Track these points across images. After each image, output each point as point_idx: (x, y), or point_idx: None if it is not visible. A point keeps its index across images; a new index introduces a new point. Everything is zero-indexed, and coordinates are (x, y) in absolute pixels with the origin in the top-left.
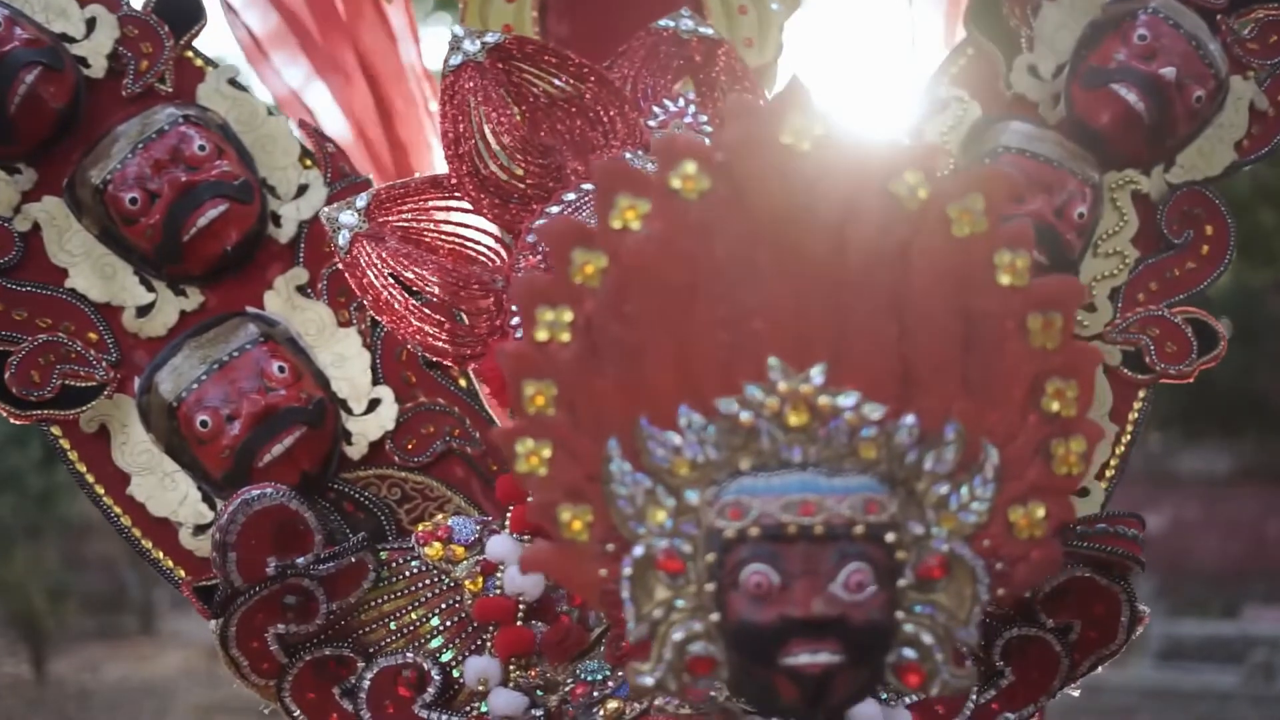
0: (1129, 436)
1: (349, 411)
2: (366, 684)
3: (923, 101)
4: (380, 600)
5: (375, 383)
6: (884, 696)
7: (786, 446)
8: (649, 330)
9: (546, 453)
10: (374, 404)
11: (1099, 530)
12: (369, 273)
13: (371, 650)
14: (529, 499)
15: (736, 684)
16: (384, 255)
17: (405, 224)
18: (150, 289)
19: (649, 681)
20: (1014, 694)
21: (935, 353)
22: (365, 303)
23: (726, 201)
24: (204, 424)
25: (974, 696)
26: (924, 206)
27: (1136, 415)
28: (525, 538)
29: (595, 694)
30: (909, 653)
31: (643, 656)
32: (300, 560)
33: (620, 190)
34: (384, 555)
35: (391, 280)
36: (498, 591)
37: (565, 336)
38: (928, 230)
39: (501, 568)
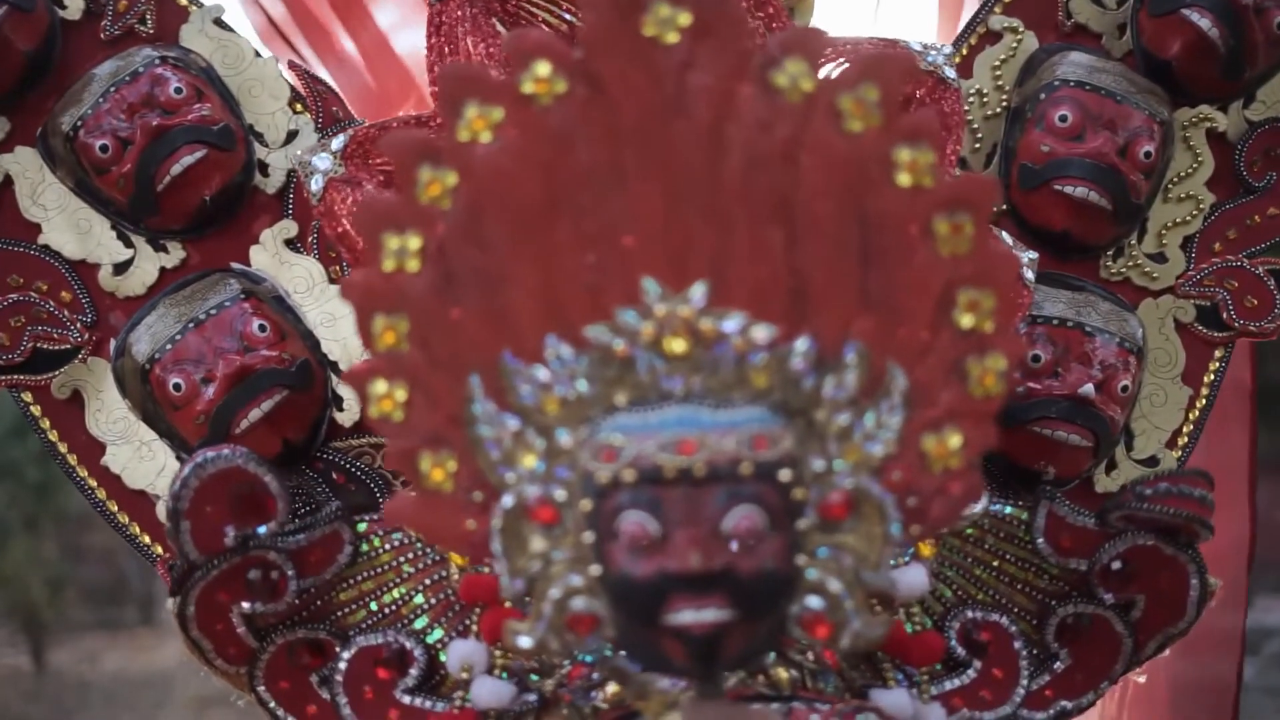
0: (1204, 401)
1: (340, 375)
2: (343, 666)
3: (972, 33)
4: (360, 577)
5: None
6: (917, 680)
7: (667, 377)
8: (508, 253)
9: (402, 394)
10: None
11: (1162, 490)
12: (344, 221)
13: (352, 634)
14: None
15: (624, 642)
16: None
17: (386, 168)
18: (128, 245)
19: (528, 643)
20: (1071, 679)
21: (829, 264)
22: (341, 255)
23: (586, 104)
24: (177, 387)
25: (1025, 682)
26: (810, 99)
27: (1213, 377)
28: None
29: (594, 676)
30: (814, 602)
31: (519, 615)
32: (262, 530)
33: (467, 97)
34: (363, 528)
35: None
36: (486, 568)
37: (415, 265)
38: (815, 126)
39: None
